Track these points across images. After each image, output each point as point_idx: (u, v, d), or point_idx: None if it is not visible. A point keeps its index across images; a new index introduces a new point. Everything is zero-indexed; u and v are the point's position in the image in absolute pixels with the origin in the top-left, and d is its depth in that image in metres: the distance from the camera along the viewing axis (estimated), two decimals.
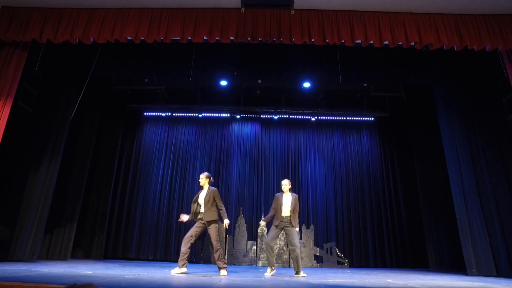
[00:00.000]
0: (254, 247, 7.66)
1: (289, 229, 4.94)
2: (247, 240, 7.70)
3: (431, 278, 5.06)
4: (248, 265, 7.43)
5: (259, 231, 7.79)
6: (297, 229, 4.99)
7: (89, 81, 6.73)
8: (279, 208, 5.04)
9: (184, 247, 4.74)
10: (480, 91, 6.35)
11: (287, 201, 5.06)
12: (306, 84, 8.10)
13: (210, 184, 5.08)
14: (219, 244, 4.83)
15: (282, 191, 5.19)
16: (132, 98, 9.05)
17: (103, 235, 7.79)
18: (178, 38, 5.54)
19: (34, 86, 6.02)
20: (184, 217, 5.04)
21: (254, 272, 5.61)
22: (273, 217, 5.11)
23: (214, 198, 4.90)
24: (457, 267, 6.58)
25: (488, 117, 6.15)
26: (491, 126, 6.08)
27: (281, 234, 5.36)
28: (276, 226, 5.00)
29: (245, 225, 7.83)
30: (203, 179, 5.05)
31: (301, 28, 5.46)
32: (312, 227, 7.93)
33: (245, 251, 7.58)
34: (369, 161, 9.03)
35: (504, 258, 5.39)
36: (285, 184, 5.17)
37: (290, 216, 4.97)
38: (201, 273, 4.80)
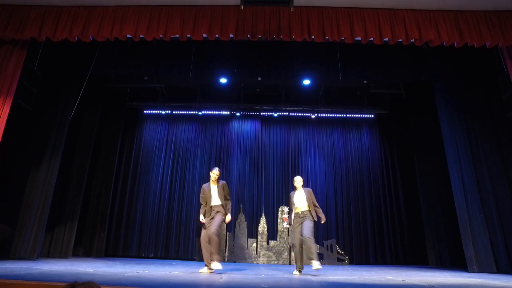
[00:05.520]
0: (254, 244, 7.67)
1: (305, 221, 4.78)
2: (248, 238, 7.72)
3: (431, 274, 5.08)
4: (249, 262, 7.45)
5: (259, 228, 7.80)
6: (323, 221, 4.87)
7: (88, 79, 6.72)
8: (292, 206, 5.00)
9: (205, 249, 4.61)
10: (480, 88, 6.33)
11: (300, 197, 4.96)
12: (306, 82, 8.09)
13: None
14: (217, 234, 4.60)
15: (295, 188, 5.10)
16: (131, 96, 9.04)
17: (103, 233, 7.81)
18: (177, 35, 5.52)
19: (33, 84, 6.01)
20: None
21: (254, 269, 5.62)
22: (293, 215, 5.01)
23: (224, 191, 4.88)
24: (456, 263, 6.60)
25: (488, 114, 6.15)
26: (491, 123, 6.07)
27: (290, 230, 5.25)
28: (297, 223, 4.91)
29: (245, 222, 7.84)
30: (218, 174, 4.91)
31: (300, 25, 5.44)
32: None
33: (245, 248, 7.60)
34: (369, 158, 9.04)
35: (504, 255, 5.41)
36: (297, 180, 5.07)
37: (308, 211, 4.85)
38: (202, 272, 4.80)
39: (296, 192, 5.05)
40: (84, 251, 7.73)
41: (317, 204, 4.96)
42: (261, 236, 7.72)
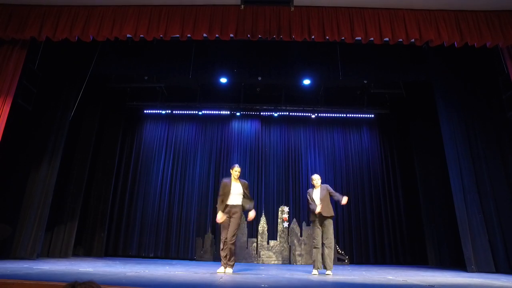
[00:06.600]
0: (254, 244, 7.67)
1: (326, 222, 4.84)
2: (248, 238, 7.72)
3: (431, 274, 5.08)
4: (249, 262, 7.45)
5: (259, 228, 7.80)
6: (344, 200, 4.86)
7: (88, 79, 6.72)
8: (313, 203, 4.97)
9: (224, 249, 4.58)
10: (480, 88, 6.34)
11: (318, 196, 4.94)
12: (306, 81, 8.09)
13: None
14: (235, 238, 4.60)
15: (313, 186, 5.08)
16: (132, 95, 9.04)
17: (103, 233, 7.82)
18: (177, 35, 5.52)
19: (33, 84, 6.00)
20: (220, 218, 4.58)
21: (254, 269, 5.63)
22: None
23: (246, 191, 4.71)
24: (456, 263, 6.60)
25: (488, 114, 6.15)
26: (491, 123, 6.07)
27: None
28: (315, 222, 4.91)
29: (246, 222, 7.83)
30: (239, 171, 4.75)
31: (301, 25, 5.44)
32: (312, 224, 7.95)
33: (245, 248, 7.60)
34: (369, 158, 9.04)
35: (503, 255, 5.41)
36: (315, 179, 5.05)
37: (328, 210, 4.86)
38: (202, 271, 4.81)
39: (315, 190, 5.04)
40: (84, 251, 7.73)
41: (334, 193, 4.95)
42: (261, 236, 7.72)
